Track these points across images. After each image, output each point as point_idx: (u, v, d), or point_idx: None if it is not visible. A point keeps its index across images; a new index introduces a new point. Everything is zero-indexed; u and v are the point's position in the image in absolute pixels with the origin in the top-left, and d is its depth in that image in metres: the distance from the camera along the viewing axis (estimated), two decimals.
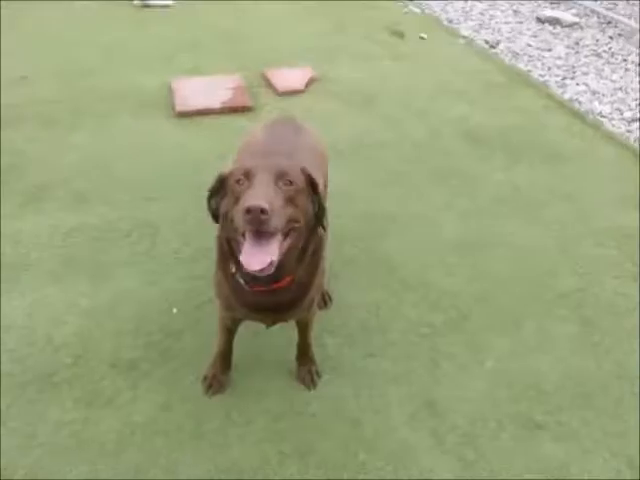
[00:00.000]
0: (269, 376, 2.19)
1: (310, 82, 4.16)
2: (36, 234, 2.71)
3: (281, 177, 1.47)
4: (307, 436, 1.98)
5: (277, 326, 2.07)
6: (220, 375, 2.12)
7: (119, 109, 3.70)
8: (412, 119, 3.92)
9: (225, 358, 2.13)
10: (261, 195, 1.37)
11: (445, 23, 5.82)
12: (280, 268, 1.50)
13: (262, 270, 1.41)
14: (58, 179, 3.06)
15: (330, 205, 2.96)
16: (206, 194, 1.68)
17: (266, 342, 2.30)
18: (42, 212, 2.84)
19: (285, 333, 2.29)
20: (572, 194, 3.31)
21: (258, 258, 1.40)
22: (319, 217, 1.64)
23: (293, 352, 2.19)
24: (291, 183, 1.48)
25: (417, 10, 6.07)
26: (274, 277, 1.53)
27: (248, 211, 1.32)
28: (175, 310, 2.39)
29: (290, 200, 1.47)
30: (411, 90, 4.30)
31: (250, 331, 2.30)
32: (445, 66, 4.74)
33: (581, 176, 3.48)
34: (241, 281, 1.64)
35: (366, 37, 5.15)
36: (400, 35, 5.27)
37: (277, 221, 1.38)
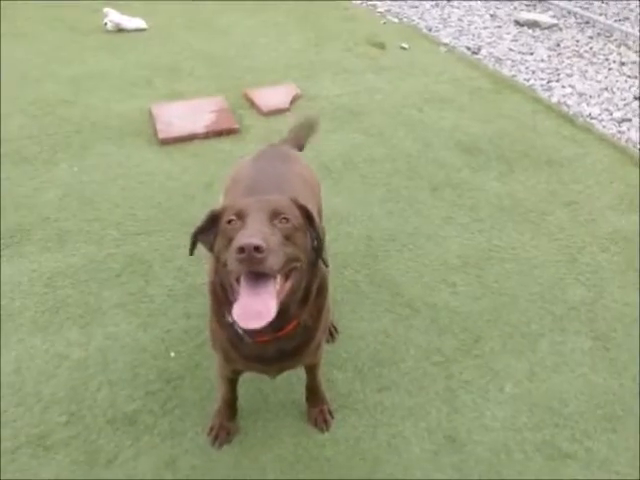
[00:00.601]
0: (279, 419, 2.05)
1: (294, 100, 4.05)
2: (17, 281, 2.54)
3: (276, 215, 1.36)
4: None
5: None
6: (227, 423, 1.98)
7: (98, 139, 3.55)
8: (401, 132, 3.82)
9: (230, 406, 2.00)
10: (255, 232, 1.25)
11: (424, 31, 5.76)
12: (283, 313, 1.38)
13: (259, 328, 1.28)
14: (37, 219, 2.90)
15: (326, 228, 2.87)
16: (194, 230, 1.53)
17: (273, 383, 2.15)
18: (21, 256, 2.67)
19: (293, 371, 2.18)
20: (571, 200, 3.24)
21: (256, 313, 1.27)
22: (318, 251, 1.49)
23: (303, 390, 2.06)
24: (287, 221, 1.36)
25: (395, 20, 6.02)
26: (277, 325, 1.39)
27: (241, 250, 1.20)
28: (173, 354, 2.24)
29: (288, 238, 1.35)
30: (397, 102, 4.21)
31: (254, 374, 2.18)
32: (429, 75, 4.67)
33: (578, 181, 3.41)
34: (240, 331, 1.46)
35: (346, 50, 5.07)
36: (381, 46, 5.20)
37: (274, 260, 1.25)
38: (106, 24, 5.14)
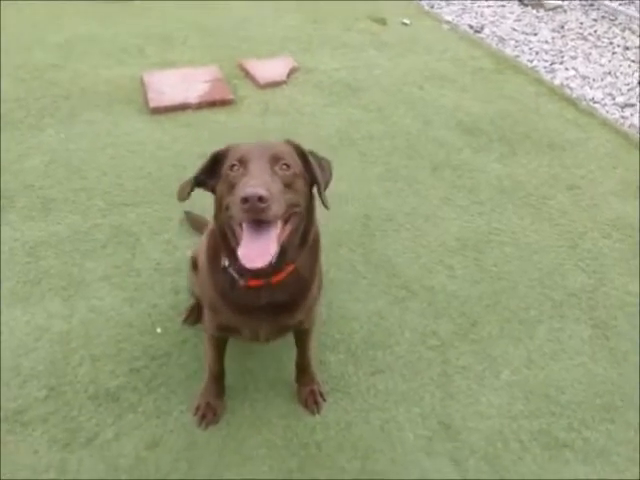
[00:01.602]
0: (268, 400, 1.97)
1: (292, 73, 3.92)
2: None
3: (277, 161, 1.37)
4: (314, 472, 1.78)
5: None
6: (214, 402, 1.90)
7: (87, 106, 3.41)
8: (401, 109, 3.71)
9: (217, 381, 1.92)
10: (258, 182, 1.26)
11: (427, 8, 5.61)
12: (282, 255, 1.39)
13: (263, 268, 1.30)
14: (20, 186, 2.78)
15: (321, 206, 2.77)
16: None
17: (262, 360, 2.09)
18: (4, 224, 2.56)
19: (283, 348, 2.10)
20: (573, 185, 3.16)
21: (259, 253, 1.30)
22: (319, 194, 1.50)
23: (293, 369, 1.99)
24: (288, 167, 1.38)
25: None
26: (275, 266, 1.39)
27: (245, 200, 1.21)
28: (159, 330, 2.15)
29: (288, 185, 1.37)
30: (398, 79, 4.09)
31: (243, 349, 2.10)
32: (431, 53, 4.54)
33: (580, 165, 3.33)
34: (235, 275, 1.46)
35: (347, 26, 4.92)
36: (382, 22, 5.05)
37: (277, 208, 1.27)
38: None
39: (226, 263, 1.48)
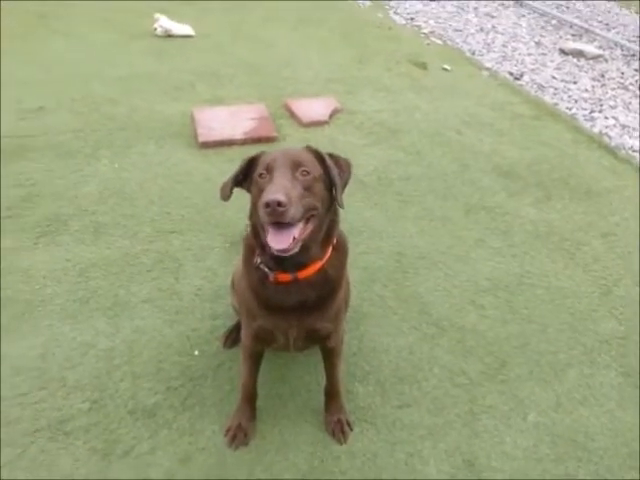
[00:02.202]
0: (296, 426, 2.04)
1: (334, 113, 4.08)
2: (51, 269, 2.60)
3: (297, 167, 1.52)
4: None
5: (301, 366, 1.97)
6: (245, 424, 1.97)
7: (140, 138, 3.63)
8: (439, 152, 3.81)
9: (250, 403, 2.01)
10: (279, 188, 1.44)
11: (468, 55, 5.76)
12: (305, 251, 1.56)
13: (287, 249, 1.46)
14: (75, 211, 2.97)
15: (358, 242, 2.88)
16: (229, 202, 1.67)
17: (292, 387, 2.16)
18: (57, 245, 2.74)
19: (313, 375, 2.17)
20: (608, 232, 3.17)
21: (282, 238, 1.46)
22: (337, 195, 1.61)
23: (322, 398, 2.05)
24: (308, 173, 1.53)
25: (439, 42, 6.04)
26: (300, 261, 1.59)
27: (267, 205, 1.40)
28: (197, 352, 2.25)
29: (308, 189, 1.52)
30: (436, 122, 4.21)
31: (276, 376, 2.18)
32: (470, 98, 4.66)
33: (616, 212, 3.34)
34: (265, 270, 1.62)
35: (388, 69, 5.09)
36: (423, 67, 5.22)
37: (294, 212, 1.44)
38: (156, 29, 5.28)
39: (258, 260, 1.65)
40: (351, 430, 2.03)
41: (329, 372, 2.01)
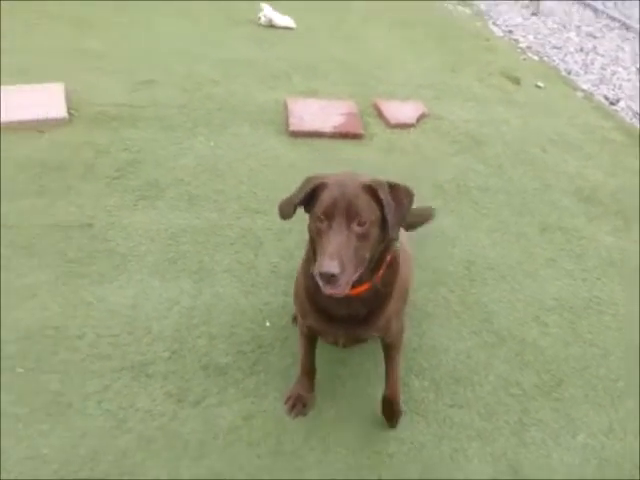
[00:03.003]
0: (352, 406, 2.18)
1: (421, 118, 4.16)
2: (147, 229, 2.85)
3: (354, 218, 1.59)
4: (382, 475, 1.95)
5: (362, 353, 2.09)
6: (304, 395, 2.13)
7: (235, 120, 3.85)
8: (521, 168, 3.82)
9: (308, 377, 2.16)
10: (333, 255, 1.53)
11: (563, 73, 5.67)
12: (356, 281, 1.64)
13: (336, 293, 1.58)
14: (172, 180, 3.22)
15: (431, 245, 2.97)
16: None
17: (353, 370, 2.30)
18: (154, 209, 2.99)
19: (372, 364, 2.30)
20: None
21: (332, 287, 1.56)
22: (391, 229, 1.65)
23: (379, 384, 2.17)
24: (364, 223, 1.60)
25: (535, 57, 5.96)
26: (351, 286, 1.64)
27: (321, 274, 1.53)
28: (268, 323, 2.43)
29: (362, 239, 1.60)
30: (522, 138, 4.20)
31: (338, 357, 2.32)
32: (560, 117, 4.61)
33: None
34: (320, 282, 1.65)
35: (481, 79, 5.10)
36: (516, 81, 5.19)
37: (346, 279, 1.56)
38: (260, 18, 5.52)
39: (313, 271, 1.68)
40: (401, 416, 2.14)
41: (387, 363, 2.12)
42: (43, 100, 3.68)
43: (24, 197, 2.96)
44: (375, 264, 1.73)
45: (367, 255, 1.64)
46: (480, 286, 2.80)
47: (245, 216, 3.01)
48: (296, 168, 3.42)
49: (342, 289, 1.57)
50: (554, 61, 5.98)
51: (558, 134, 4.33)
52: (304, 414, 2.12)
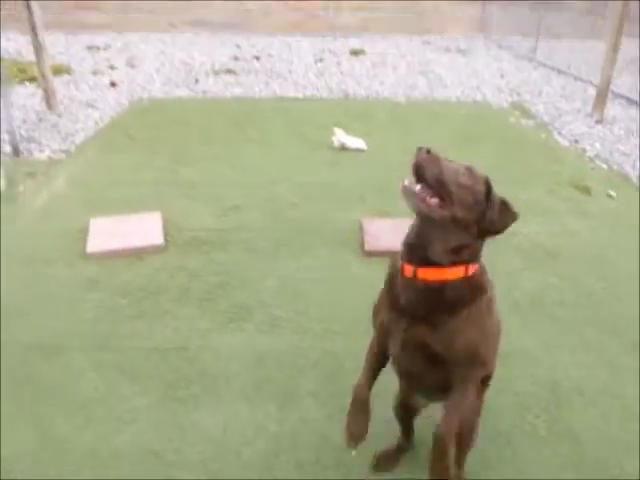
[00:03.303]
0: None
1: None
2: (235, 351, 3.04)
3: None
4: None
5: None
6: (359, 431, 1.99)
7: (315, 243, 4.12)
8: (599, 282, 3.80)
9: (360, 407, 2.01)
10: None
11: (635, 181, 5.68)
12: (430, 242, 1.74)
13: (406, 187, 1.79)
14: (257, 302, 3.44)
15: (512, 365, 2.97)
16: None
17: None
18: (242, 331, 3.20)
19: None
20: None
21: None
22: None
23: None
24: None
25: (604, 166, 6.03)
26: (424, 254, 1.74)
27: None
28: (354, 452, 2.47)
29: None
30: (596, 249, 4.20)
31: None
32: (635, 228, 4.58)
33: None
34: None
35: (550, 191, 5.21)
36: (586, 191, 5.25)
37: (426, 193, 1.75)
38: (333, 142, 5.98)
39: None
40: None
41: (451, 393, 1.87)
42: (144, 228, 4.11)
43: (126, 321, 3.26)
44: (453, 249, 1.73)
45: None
46: (568, 411, 2.73)
47: (326, 338, 3.15)
48: (374, 288, 3.54)
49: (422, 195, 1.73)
50: (624, 168, 6.02)
51: (633, 245, 4.29)
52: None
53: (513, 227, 4.45)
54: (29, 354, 3.00)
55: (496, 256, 4.02)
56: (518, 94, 8.68)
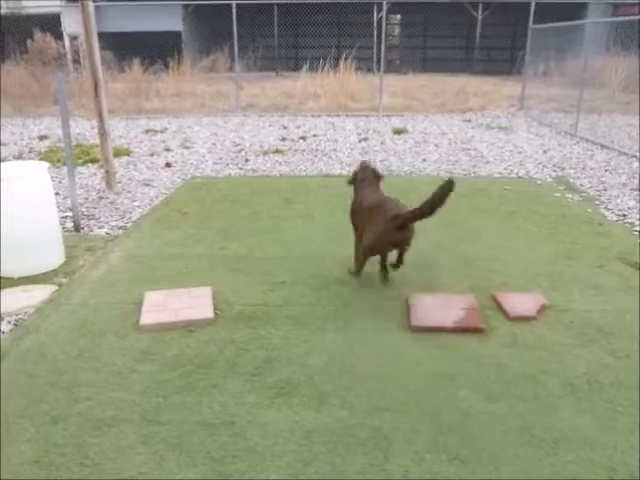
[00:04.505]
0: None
1: (542, 309, 4.21)
2: (282, 428, 3.02)
3: None
4: None
5: None
6: None
7: (360, 317, 4.14)
8: None
9: None
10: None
11: None
12: None
13: None
14: (304, 377, 3.45)
15: (567, 449, 2.86)
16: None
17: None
18: (288, 407, 3.19)
19: None
20: None
21: None
22: None
23: None
24: None
25: None
26: None
27: None
28: None
29: None
30: None
31: None
32: None
33: None
34: None
35: (599, 266, 5.12)
36: (635, 266, 5.14)
37: None
38: None
39: None
40: None
41: None
42: (195, 302, 4.25)
43: (175, 394, 3.32)
44: None
45: None
46: None
47: (373, 415, 3.11)
48: (420, 364, 3.54)
49: None
50: None
51: None
52: None
53: (561, 303, 4.40)
54: (80, 425, 3.07)
55: (546, 334, 3.98)
56: (562, 169, 8.72)
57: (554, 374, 3.49)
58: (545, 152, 9.89)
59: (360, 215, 4.56)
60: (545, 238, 5.82)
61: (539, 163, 9.10)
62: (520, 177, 8.37)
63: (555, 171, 8.63)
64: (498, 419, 3.09)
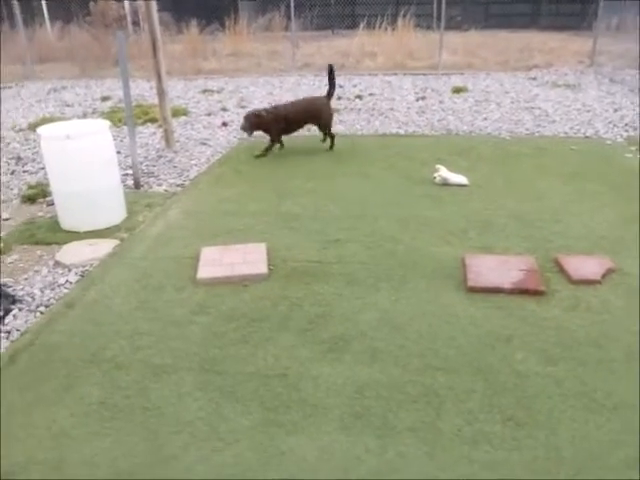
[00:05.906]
0: None
1: (607, 273, 4.01)
2: (333, 382, 3.05)
3: None
4: None
5: None
6: None
7: (414, 276, 4.09)
8: None
9: None
10: None
11: None
12: None
13: None
14: (357, 333, 3.46)
15: (627, 418, 2.74)
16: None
17: None
18: (340, 362, 3.21)
19: None
20: None
21: None
22: None
23: None
24: None
25: None
26: None
27: None
28: None
29: None
30: None
31: None
32: None
33: None
34: None
35: None
36: None
37: None
38: (435, 177, 5.95)
39: None
40: None
41: None
42: (250, 258, 4.30)
43: (231, 345, 3.40)
44: None
45: None
46: None
47: (426, 374, 3.08)
48: (475, 325, 3.47)
49: None
50: None
51: None
52: None
53: (628, 268, 4.17)
54: (142, 371, 3.20)
55: (612, 299, 3.80)
56: (634, 129, 8.18)
57: (618, 340, 3.34)
58: (616, 111, 9.28)
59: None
60: (612, 201, 5.51)
61: (609, 122, 8.56)
62: (588, 137, 7.92)
63: (627, 131, 8.10)
64: (556, 382, 3.00)
